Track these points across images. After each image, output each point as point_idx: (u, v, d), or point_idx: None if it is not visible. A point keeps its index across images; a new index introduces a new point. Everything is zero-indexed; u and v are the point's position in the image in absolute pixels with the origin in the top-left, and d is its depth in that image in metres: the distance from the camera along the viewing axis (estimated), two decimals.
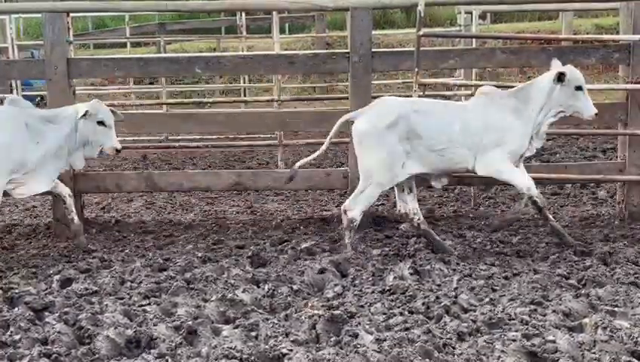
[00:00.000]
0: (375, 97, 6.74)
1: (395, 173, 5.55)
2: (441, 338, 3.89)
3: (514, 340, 3.81)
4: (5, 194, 5.67)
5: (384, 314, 4.30)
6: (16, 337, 3.97)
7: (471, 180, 6.86)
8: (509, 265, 5.35)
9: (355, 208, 5.64)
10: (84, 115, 5.82)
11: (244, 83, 14.02)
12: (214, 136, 10.51)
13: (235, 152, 11.16)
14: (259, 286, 4.89)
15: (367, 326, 4.05)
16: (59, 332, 4.01)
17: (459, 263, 5.28)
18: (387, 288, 4.77)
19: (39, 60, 7.63)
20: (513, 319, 4.17)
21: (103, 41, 18.45)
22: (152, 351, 3.84)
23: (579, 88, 5.59)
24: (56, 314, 4.30)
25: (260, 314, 4.40)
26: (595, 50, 6.58)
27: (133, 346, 3.94)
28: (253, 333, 4.06)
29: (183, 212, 7.82)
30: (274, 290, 4.75)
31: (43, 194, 6.14)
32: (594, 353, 3.68)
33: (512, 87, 5.94)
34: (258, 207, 7.87)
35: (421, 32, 6.26)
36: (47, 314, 4.40)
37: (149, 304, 4.56)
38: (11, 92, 11.29)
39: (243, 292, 4.69)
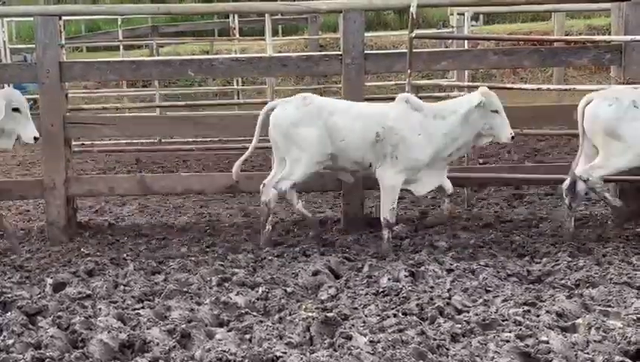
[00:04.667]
0: (367, 99, 6.76)
1: None
2: (435, 339, 3.89)
3: (507, 341, 3.81)
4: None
5: (378, 315, 4.30)
6: (10, 342, 3.95)
7: (464, 181, 6.87)
8: (502, 266, 5.35)
9: None
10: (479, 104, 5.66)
11: (238, 85, 14.00)
12: (208, 139, 10.49)
13: (228, 155, 11.13)
14: (252, 289, 4.88)
15: (360, 328, 4.04)
16: (52, 336, 3.99)
17: (452, 264, 5.29)
18: (381, 290, 4.77)
19: (32, 64, 7.60)
20: (507, 320, 4.17)
21: (96, 44, 18.41)
22: (145, 354, 3.83)
23: None
24: (50, 319, 4.28)
25: (254, 316, 4.40)
26: (587, 51, 6.60)
27: (127, 350, 3.93)
28: (247, 336, 4.05)
29: (177, 215, 7.81)
30: (268, 293, 4.74)
31: None
32: (587, 353, 3.68)
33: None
34: (252, 210, 7.86)
35: (413, 34, 6.27)
36: (40, 318, 4.38)
37: (143, 307, 4.55)
38: None
39: (237, 295, 4.69)
